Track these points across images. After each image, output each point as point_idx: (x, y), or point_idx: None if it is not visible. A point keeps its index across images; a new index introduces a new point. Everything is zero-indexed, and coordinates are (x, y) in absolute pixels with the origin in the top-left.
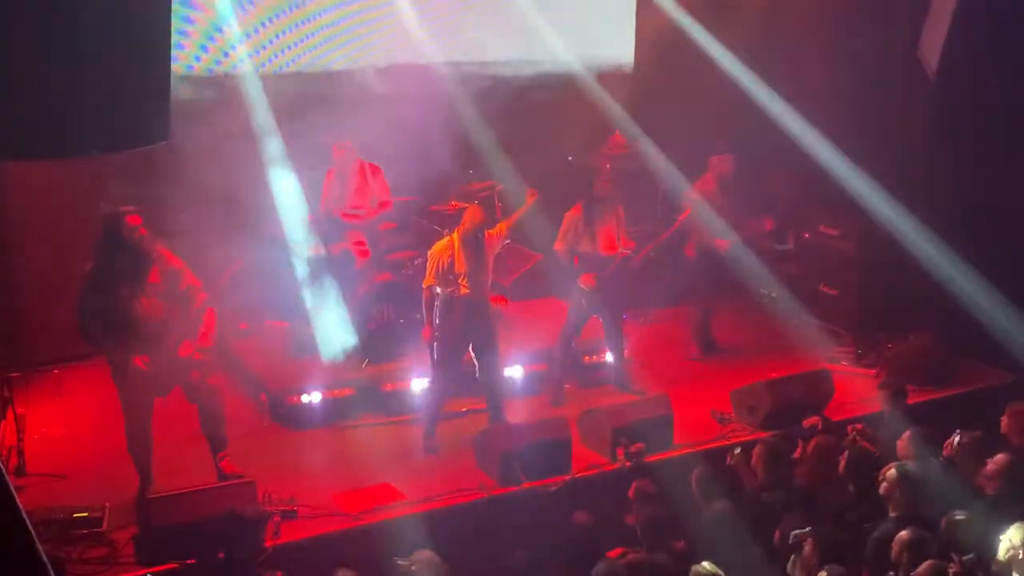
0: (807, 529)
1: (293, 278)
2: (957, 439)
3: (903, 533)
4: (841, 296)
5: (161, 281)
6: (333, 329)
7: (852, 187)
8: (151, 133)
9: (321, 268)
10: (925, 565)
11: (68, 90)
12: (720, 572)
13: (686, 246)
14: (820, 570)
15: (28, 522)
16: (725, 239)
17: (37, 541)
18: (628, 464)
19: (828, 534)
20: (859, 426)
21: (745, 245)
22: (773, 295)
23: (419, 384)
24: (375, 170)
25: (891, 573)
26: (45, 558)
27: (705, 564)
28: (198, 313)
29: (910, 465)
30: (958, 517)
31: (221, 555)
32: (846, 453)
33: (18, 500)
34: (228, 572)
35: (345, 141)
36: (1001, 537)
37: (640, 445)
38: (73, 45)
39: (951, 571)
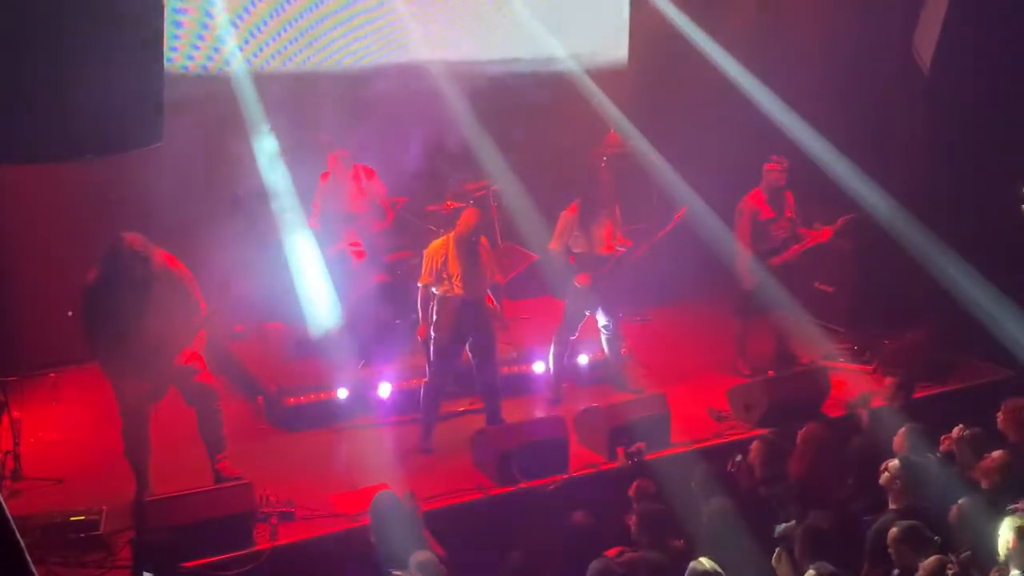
0: (791, 523)
1: (288, 278)
2: (958, 433)
3: (894, 529)
4: (837, 293)
5: (163, 290)
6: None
7: (847, 184)
8: (146, 136)
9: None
10: (929, 561)
11: (62, 94)
12: (719, 568)
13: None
14: (808, 567)
15: (17, 533)
16: (751, 277)
17: (25, 551)
18: (629, 463)
19: (813, 528)
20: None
21: (803, 254)
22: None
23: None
24: (369, 173)
25: (896, 571)
26: (33, 568)
27: (703, 560)
28: (197, 326)
29: (914, 457)
30: (964, 504)
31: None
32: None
33: (7, 510)
34: None
35: (341, 150)
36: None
37: (641, 444)
38: (66, 49)
39: (950, 571)
